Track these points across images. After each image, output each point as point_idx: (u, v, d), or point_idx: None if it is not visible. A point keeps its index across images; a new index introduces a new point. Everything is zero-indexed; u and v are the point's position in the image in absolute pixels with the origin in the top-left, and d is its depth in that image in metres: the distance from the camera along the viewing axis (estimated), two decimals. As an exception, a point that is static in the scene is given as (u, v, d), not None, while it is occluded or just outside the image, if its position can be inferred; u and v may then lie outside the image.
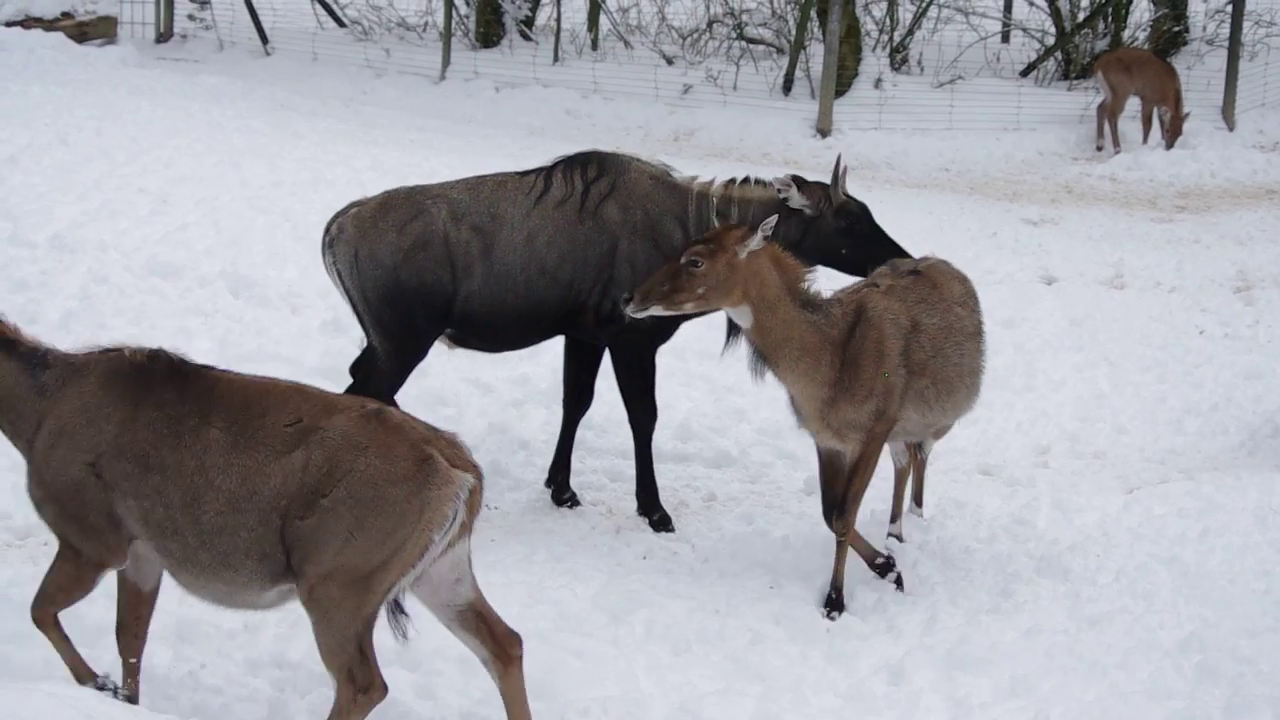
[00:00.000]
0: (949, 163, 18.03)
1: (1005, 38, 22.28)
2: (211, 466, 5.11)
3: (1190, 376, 10.72)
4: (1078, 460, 9.39)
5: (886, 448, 7.41)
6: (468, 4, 21.42)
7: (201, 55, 20.83)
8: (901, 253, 7.76)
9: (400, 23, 21.75)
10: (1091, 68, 19.42)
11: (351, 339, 9.50)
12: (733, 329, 7.30)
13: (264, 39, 21.25)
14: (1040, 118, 19.10)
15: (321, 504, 5.03)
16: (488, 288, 7.67)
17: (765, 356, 6.92)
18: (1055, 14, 21.28)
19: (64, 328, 9.23)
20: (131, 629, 5.50)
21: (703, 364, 9.81)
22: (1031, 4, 21.97)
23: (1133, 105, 18.47)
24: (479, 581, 5.46)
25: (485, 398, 9.35)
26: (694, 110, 19.17)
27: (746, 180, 7.88)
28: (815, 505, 7.37)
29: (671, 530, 8.00)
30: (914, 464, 7.92)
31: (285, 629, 6.19)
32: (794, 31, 20.22)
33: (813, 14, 20.00)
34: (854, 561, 7.45)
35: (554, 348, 9.46)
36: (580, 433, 8.40)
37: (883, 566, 7.40)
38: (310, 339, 9.67)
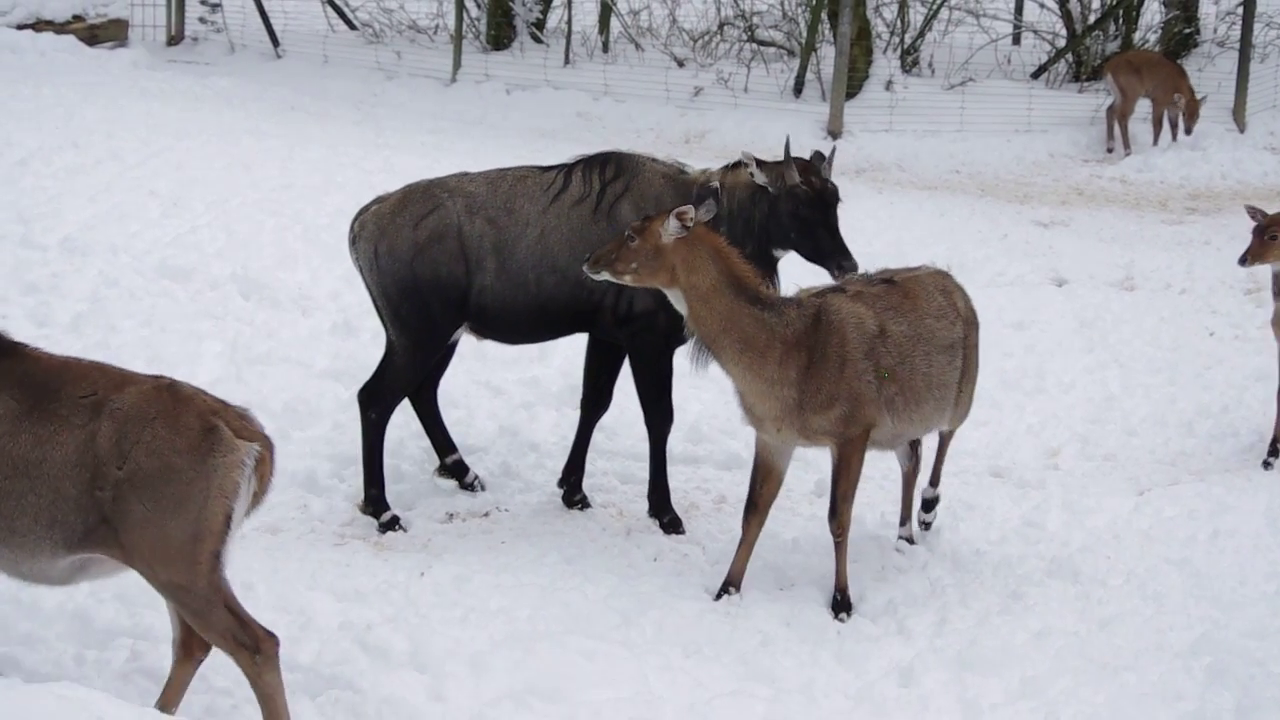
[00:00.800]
0: (960, 165, 18.00)
1: (1016, 40, 22.27)
2: (3, 434, 5.21)
3: (1201, 378, 10.69)
4: (1088, 462, 9.37)
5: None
6: (479, 6, 21.43)
7: (212, 58, 20.86)
8: (844, 253, 7.63)
9: (411, 25, 21.74)
10: (1102, 70, 19.40)
11: (361, 342, 9.52)
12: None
13: (275, 42, 21.27)
14: (1051, 120, 19.07)
15: (117, 475, 5.15)
16: (500, 282, 7.70)
17: (708, 346, 6.94)
18: (1066, 16, 21.25)
19: (74, 330, 9.26)
20: None
21: (714, 366, 9.77)
22: (1042, 6, 21.97)
23: (1143, 107, 18.46)
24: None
25: (495, 400, 9.34)
26: (705, 112, 19.14)
27: (739, 164, 7.86)
28: (825, 508, 7.36)
29: (682, 532, 8.01)
30: (940, 444, 7.87)
31: (295, 631, 6.20)
32: (805, 34, 20.21)
33: (824, 16, 20.00)
34: (862, 563, 7.45)
35: (564, 350, 9.48)
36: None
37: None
38: (321, 341, 9.67)
